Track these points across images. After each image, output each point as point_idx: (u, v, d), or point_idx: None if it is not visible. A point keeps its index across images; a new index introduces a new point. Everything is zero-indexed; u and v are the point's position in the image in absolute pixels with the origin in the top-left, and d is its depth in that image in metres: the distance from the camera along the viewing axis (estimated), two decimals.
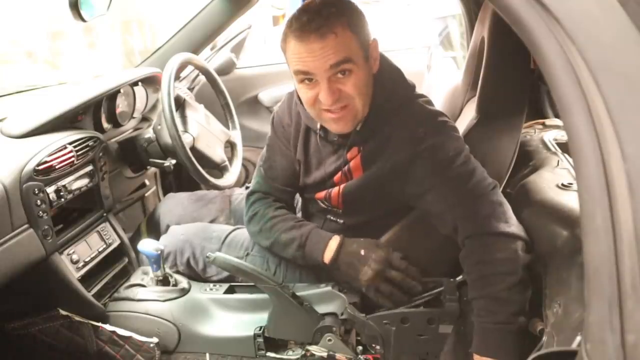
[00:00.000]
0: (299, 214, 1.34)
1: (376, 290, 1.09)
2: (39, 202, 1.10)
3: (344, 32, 0.92)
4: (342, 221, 1.18)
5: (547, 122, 1.48)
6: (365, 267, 1.07)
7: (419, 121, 1.03)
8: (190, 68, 1.93)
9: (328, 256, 1.11)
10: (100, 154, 1.33)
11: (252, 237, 1.26)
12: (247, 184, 1.66)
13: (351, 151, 1.09)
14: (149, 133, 1.50)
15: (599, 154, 0.41)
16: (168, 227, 1.46)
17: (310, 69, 0.94)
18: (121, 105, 1.50)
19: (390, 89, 1.05)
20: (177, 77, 1.55)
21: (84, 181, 1.28)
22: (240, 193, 1.61)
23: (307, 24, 0.92)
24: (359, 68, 0.96)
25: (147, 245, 1.25)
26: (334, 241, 1.11)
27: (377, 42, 1.01)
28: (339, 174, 1.12)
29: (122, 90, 1.46)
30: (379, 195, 1.09)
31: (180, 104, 1.49)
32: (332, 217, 1.19)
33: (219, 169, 1.59)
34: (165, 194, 1.89)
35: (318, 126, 1.10)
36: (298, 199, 1.46)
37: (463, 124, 1.26)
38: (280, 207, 1.24)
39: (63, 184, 1.19)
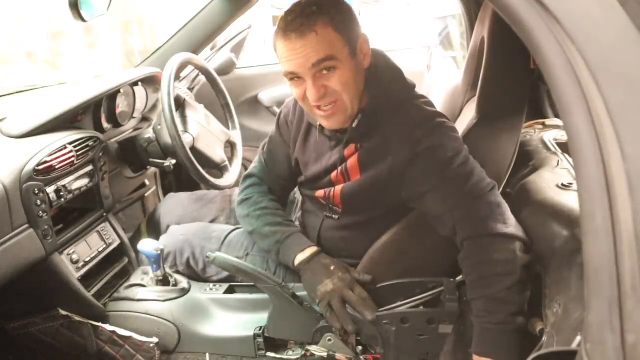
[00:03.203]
0: (299, 213, 1.34)
1: (328, 306, 1.10)
2: (39, 202, 1.10)
3: (326, 30, 0.93)
4: (341, 220, 1.18)
5: (547, 122, 1.48)
6: (327, 279, 1.11)
7: (416, 122, 1.03)
8: (190, 68, 1.93)
9: (300, 258, 1.15)
10: (100, 154, 1.33)
11: (238, 218, 1.31)
12: None
13: (348, 148, 1.09)
14: (149, 133, 1.50)
15: (599, 154, 0.41)
16: (168, 227, 1.46)
17: (294, 68, 0.96)
18: (121, 105, 1.50)
19: (387, 88, 1.05)
20: (177, 77, 1.55)
21: (84, 181, 1.28)
22: None
23: (289, 23, 0.94)
24: (343, 64, 0.96)
25: (147, 245, 1.25)
26: (312, 249, 1.17)
27: (366, 37, 1.01)
28: (337, 172, 1.12)
29: (122, 90, 1.46)
30: (378, 197, 1.10)
31: (180, 104, 1.49)
32: (331, 216, 1.19)
33: (219, 169, 1.59)
34: (165, 194, 1.89)
35: (318, 122, 1.11)
36: (298, 199, 1.46)
37: (463, 124, 1.26)
38: (274, 199, 1.29)
39: (63, 184, 1.19)
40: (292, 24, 0.93)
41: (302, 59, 0.94)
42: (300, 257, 1.15)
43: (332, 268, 1.13)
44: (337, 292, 1.09)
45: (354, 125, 1.05)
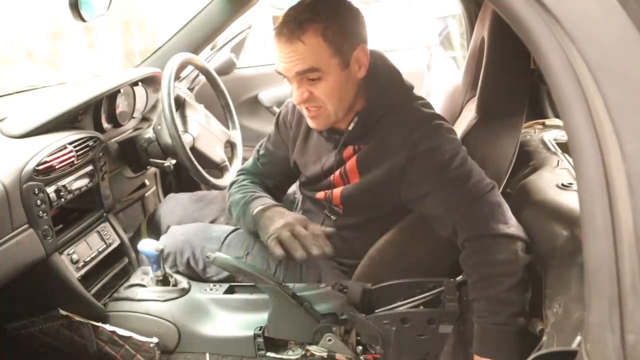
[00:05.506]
0: (299, 212, 1.34)
1: (277, 239, 1.02)
2: (39, 202, 1.10)
3: (314, 41, 0.93)
4: (341, 220, 1.18)
5: (547, 122, 1.48)
6: (281, 219, 1.06)
7: (413, 125, 1.03)
8: (190, 68, 1.93)
9: (259, 208, 1.14)
10: (100, 154, 1.33)
11: (228, 209, 1.30)
12: None
13: (347, 150, 1.09)
14: (149, 133, 1.50)
15: (599, 154, 0.41)
16: (169, 227, 1.46)
17: (281, 70, 0.99)
18: (121, 105, 1.50)
19: (385, 89, 1.05)
20: (177, 77, 1.55)
21: (84, 181, 1.28)
22: None
23: (283, 24, 0.94)
24: (330, 75, 0.96)
25: (147, 245, 1.25)
26: (272, 201, 1.17)
27: (365, 47, 1.00)
28: (337, 174, 1.12)
29: (122, 90, 1.46)
30: (378, 199, 1.10)
31: (180, 104, 1.49)
32: (332, 216, 1.19)
33: (219, 169, 1.59)
34: (165, 194, 1.89)
35: None
36: (298, 199, 1.46)
37: (463, 124, 1.26)
38: (256, 182, 1.29)
39: (63, 184, 1.19)
40: (285, 27, 0.94)
41: (287, 64, 0.96)
42: (258, 208, 1.13)
43: (286, 212, 1.10)
44: (287, 227, 1.02)
45: (350, 128, 1.06)
